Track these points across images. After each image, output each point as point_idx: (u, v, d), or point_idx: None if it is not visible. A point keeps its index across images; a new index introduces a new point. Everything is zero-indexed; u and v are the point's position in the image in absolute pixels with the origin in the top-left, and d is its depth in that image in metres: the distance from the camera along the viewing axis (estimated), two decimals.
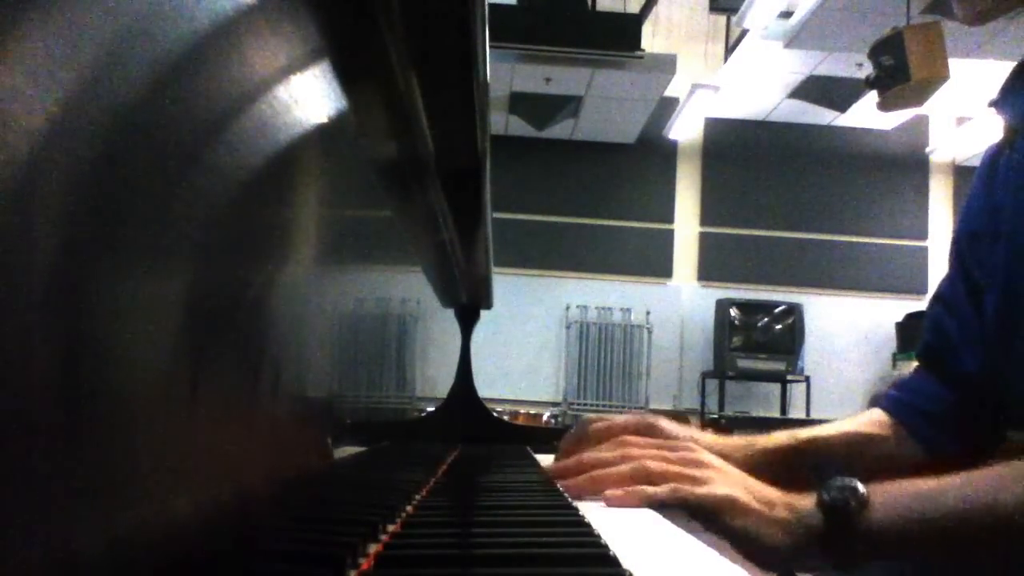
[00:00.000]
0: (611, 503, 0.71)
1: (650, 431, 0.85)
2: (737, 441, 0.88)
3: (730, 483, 0.71)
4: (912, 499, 0.65)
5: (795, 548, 0.67)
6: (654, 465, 0.74)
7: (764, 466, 0.81)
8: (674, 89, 5.65)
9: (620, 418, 0.89)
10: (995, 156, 0.82)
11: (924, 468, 0.68)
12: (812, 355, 6.27)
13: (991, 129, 0.83)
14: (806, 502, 0.68)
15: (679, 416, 4.53)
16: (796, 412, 6.15)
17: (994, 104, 0.80)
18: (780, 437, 0.89)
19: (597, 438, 0.85)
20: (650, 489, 0.71)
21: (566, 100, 5.71)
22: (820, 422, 0.93)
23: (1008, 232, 0.76)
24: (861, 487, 0.66)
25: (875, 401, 0.98)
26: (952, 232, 0.90)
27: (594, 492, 0.75)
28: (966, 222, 0.86)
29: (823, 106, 6.02)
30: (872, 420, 0.92)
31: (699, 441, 0.83)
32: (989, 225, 0.80)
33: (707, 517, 0.69)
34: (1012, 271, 0.75)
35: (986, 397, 0.81)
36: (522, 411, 5.18)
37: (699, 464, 0.74)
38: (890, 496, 0.66)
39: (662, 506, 0.71)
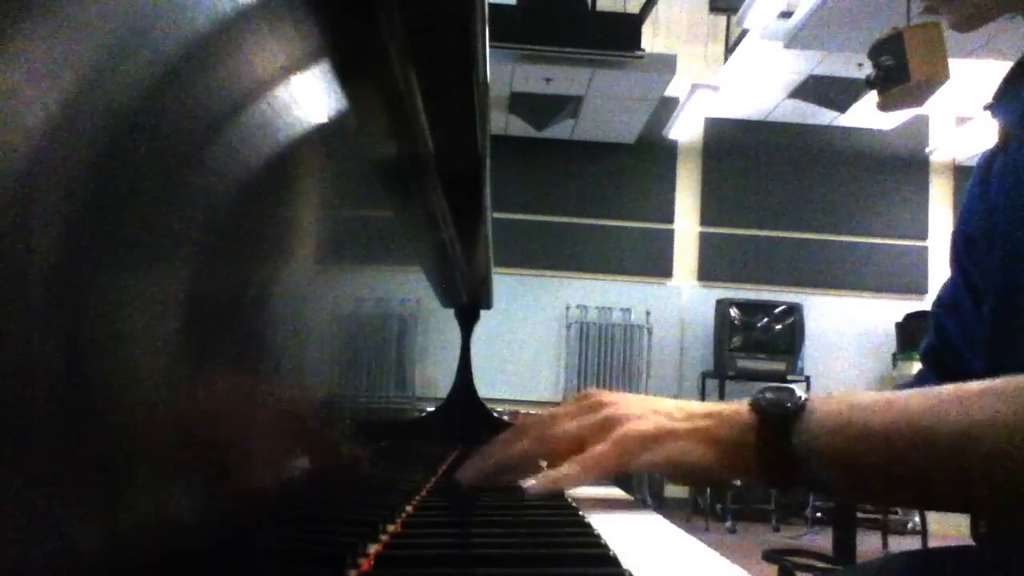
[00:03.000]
0: (530, 494, 0.68)
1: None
2: None
3: (634, 415, 0.66)
4: (852, 408, 0.59)
5: (723, 459, 0.63)
6: (551, 430, 0.69)
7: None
8: (674, 89, 5.65)
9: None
10: (990, 159, 0.82)
11: None
12: (812, 355, 6.27)
13: (991, 129, 0.83)
14: (734, 407, 0.64)
15: None
16: None
17: (989, 108, 0.80)
18: None
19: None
20: (553, 473, 0.67)
21: (566, 100, 5.71)
22: None
23: (1003, 234, 0.76)
24: (799, 391, 0.61)
25: None
26: (951, 235, 0.90)
27: (496, 473, 0.73)
28: (962, 225, 0.86)
29: (823, 106, 6.02)
30: None
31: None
32: (984, 228, 0.80)
33: (628, 467, 0.64)
34: (1007, 273, 0.75)
35: None
36: (522, 411, 5.17)
37: (596, 406, 0.68)
38: (829, 404, 0.60)
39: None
